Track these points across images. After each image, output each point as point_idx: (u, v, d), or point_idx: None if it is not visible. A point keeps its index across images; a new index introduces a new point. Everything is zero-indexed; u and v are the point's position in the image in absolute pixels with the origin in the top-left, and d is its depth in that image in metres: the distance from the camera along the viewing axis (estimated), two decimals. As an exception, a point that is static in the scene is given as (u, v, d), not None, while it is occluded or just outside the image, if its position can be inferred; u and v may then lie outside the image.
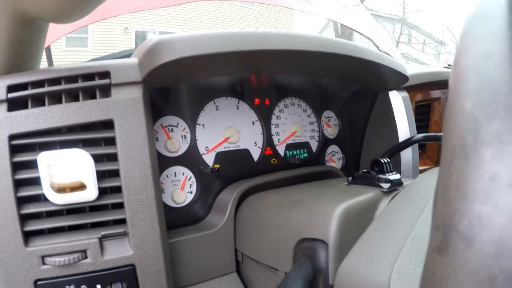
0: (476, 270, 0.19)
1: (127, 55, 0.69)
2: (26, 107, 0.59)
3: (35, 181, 0.59)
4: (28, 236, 0.59)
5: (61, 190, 0.57)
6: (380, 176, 0.70)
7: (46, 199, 0.58)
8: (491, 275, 0.19)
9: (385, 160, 0.75)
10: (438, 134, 0.98)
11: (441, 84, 1.35)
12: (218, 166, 0.89)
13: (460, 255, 0.20)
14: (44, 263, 0.58)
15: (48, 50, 1.87)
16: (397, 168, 1.09)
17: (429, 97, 1.36)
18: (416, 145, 1.12)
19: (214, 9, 12.65)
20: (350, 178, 0.76)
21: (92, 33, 11.56)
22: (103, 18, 1.85)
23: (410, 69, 1.09)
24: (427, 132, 1.38)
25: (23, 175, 0.58)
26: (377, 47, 2.31)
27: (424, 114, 1.38)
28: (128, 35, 12.23)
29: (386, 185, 0.68)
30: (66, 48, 11.14)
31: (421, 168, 1.18)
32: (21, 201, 0.58)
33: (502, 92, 0.22)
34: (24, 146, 0.59)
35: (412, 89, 1.22)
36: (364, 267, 0.50)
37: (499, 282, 0.19)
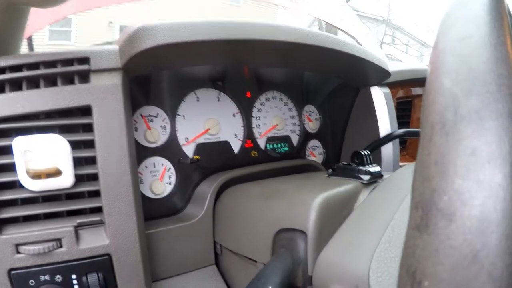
0: (457, 246, 0.19)
1: (111, 46, 0.68)
2: (3, 91, 0.58)
3: (10, 167, 0.57)
4: (1, 224, 0.57)
5: (36, 176, 0.55)
6: (360, 168, 0.70)
7: (21, 186, 0.57)
8: (473, 250, 0.19)
9: (366, 153, 0.75)
10: (419, 129, 0.99)
11: (423, 81, 1.35)
12: (198, 157, 0.88)
13: (440, 231, 0.20)
14: (18, 252, 0.56)
15: (30, 39, 1.83)
16: (378, 163, 1.09)
17: (411, 94, 1.36)
18: (397, 141, 1.13)
19: (199, 5, 12.60)
20: (330, 170, 0.76)
21: (75, 26, 11.44)
22: (87, 8, 1.82)
23: (392, 66, 1.09)
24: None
25: None
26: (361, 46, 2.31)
27: (405, 111, 1.39)
28: (112, 29, 12.12)
29: (366, 177, 0.69)
30: (49, 41, 11.02)
31: (401, 164, 1.19)
32: None
33: (480, 71, 0.22)
34: None
35: (393, 86, 1.23)
36: (343, 257, 0.50)
37: (481, 257, 0.19)
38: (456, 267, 0.19)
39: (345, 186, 0.64)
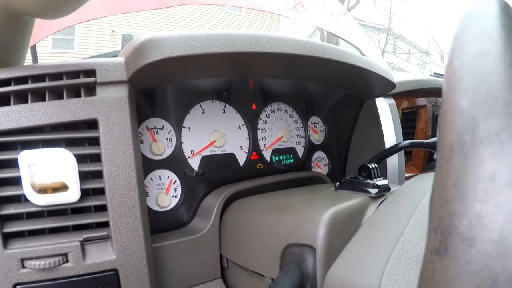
0: (477, 271, 0.19)
1: (116, 56, 0.68)
2: (8, 104, 0.57)
3: (16, 181, 0.57)
4: (7, 238, 0.57)
5: (42, 190, 0.55)
6: (368, 181, 0.69)
7: (26, 200, 0.56)
8: (493, 275, 0.19)
9: (373, 166, 0.74)
10: (425, 141, 0.99)
11: (427, 92, 1.36)
12: (203, 170, 0.87)
13: (461, 256, 0.20)
14: (23, 267, 0.56)
15: (34, 48, 1.84)
16: (383, 175, 1.08)
17: (415, 104, 1.36)
18: (402, 152, 1.12)
19: (201, 15, 12.68)
20: (337, 183, 0.76)
21: (78, 35, 11.53)
22: (89, 18, 1.83)
23: (397, 76, 1.09)
24: (413, 140, 1.39)
25: (2, 174, 0.56)
26: (363, 55, 2.31)
27: (410, 121, 1.39)
28: (115, 38, 12.20)
29: (373, 191, 0.68)
30: (52, 49, 11.11)
31: (407, 175, 1.18)
32: (0, 202, 0.56)
33: (499, 90, 0.22)
34: (4, 144, 0.57)
35: (398, 96, 1.23)
36: (353, 273, 0.49)
37: (501, 282, 0.18)
38: None
39: (353, 200, 0.64)
